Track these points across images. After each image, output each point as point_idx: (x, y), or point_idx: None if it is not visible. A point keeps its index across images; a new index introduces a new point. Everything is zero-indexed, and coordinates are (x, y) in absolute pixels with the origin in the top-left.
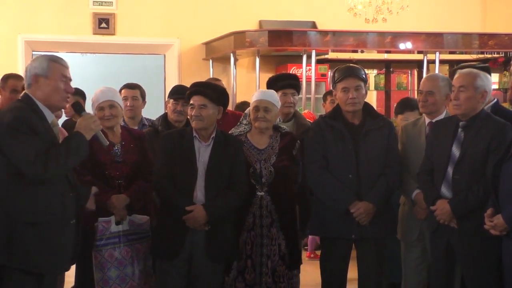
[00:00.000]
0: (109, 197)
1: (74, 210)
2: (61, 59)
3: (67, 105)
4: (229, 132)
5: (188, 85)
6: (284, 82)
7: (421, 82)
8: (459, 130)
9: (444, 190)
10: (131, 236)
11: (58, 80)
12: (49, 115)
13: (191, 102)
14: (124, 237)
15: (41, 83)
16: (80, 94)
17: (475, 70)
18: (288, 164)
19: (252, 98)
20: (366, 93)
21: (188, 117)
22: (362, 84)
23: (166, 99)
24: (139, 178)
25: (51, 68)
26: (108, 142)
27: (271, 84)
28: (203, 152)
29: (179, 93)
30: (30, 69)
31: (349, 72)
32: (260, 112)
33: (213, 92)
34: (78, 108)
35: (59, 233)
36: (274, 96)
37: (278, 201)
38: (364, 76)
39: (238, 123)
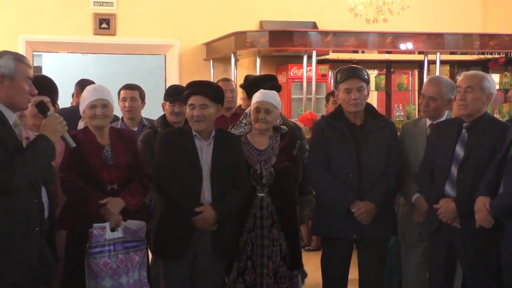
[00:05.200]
0: (100, 204)
1: (38, 217)
2: (26, 58)
3: (30, 106)
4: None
5: None
6: (270, 84)
7: (424, 85)
8: (463, 131)
9: (448, 189)
10: (126, 244)
11: (23, 82)
12: (10, 116)
13: (191, 102)
14: (119, 245)
15: (6, 84)
16: (49, 91)
17: (481, 72)
18: (288, 165)
19: (253, 99)
20: (368, 93)
21: (187, 117)
22: (365, 85)
23: (163, 101)
24: (133, 181)
25: (18, 69)
26: (75, 144)
27: (255, 86)
28: (205, 152)
29: (175, 95)
30: None
31: (351, 73)
32: (261, 114)
33: (213, 91)
34: (43, 108)
35: (23, 242)
36: (276, 98)
37: (278, 201)
38: (366, 77)
39: (238, 122)
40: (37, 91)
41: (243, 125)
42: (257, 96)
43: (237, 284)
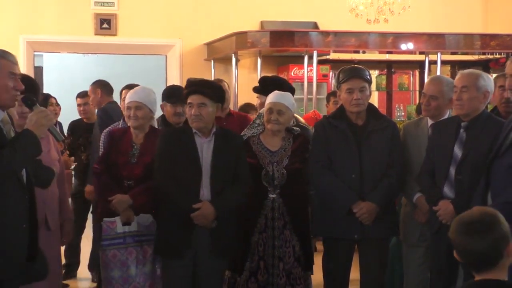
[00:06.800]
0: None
1: (26, 214)
2: (10, 54)
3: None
4: (242, 133)
5: None
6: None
7: (425, 84)
8: (461, 130)
9: (447, 191)
10: (138, 237)
11: (6, 78)
12: None
13: (189, 101)
14: (130, 238)
15: None
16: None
17: (477, 71)
18: (300, 167)
19: (267, 100)
20: (370, 94)
21: (187, 116)
22: (367, 85)
23: (162, 102)
24: (149, 181)
25: None
26: (63, 137)
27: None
28: (206, 149)
29: (175, 96)
30: None
31: (354, 73)
32: (273, 115)
33: (211, 90)
34: (29, 102)
35: (7, 238)
36: (290, 99)
37: (290, 203)
38: (368, 77)
39: (251, 122)
40: (23, 86)
41: (256, 125)
42: (271, 97)
43: (249, 283)
